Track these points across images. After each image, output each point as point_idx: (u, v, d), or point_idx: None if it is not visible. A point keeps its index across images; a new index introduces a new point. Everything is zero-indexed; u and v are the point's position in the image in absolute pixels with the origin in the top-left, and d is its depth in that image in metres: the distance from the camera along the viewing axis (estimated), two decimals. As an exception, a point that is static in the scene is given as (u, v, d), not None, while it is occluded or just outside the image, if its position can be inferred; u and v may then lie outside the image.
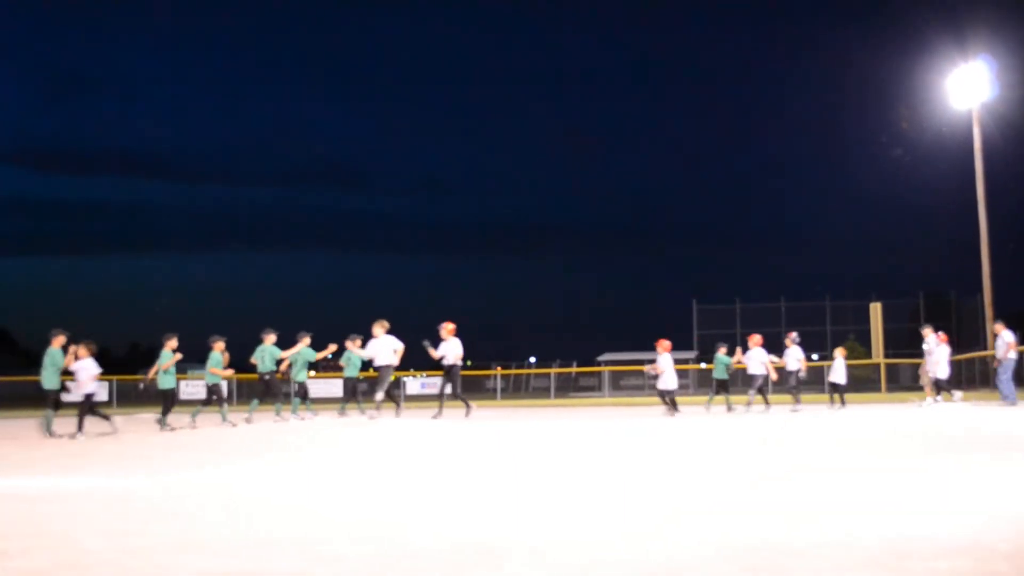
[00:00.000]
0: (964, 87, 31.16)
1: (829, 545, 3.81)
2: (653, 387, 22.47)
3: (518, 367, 53.61)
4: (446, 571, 3.51)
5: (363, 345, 17.20)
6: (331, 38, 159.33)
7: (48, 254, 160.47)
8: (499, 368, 48.68)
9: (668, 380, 18.25)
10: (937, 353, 19.76)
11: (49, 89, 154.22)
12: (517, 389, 49.74)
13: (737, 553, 3.69)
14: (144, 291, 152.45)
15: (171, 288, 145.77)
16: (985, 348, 31.41)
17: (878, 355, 32.94)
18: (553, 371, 42.91)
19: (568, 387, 44.11)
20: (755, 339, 19.61)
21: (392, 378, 17.43)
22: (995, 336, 20.47)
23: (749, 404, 19.18)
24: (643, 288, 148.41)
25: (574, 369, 41.23)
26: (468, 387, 38.55)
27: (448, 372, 16.96)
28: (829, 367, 21.00)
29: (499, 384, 43.41)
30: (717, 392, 20.26)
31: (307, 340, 17.47)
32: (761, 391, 19.58)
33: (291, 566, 3.66)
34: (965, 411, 16.34)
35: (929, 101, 33.83)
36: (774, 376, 19.90)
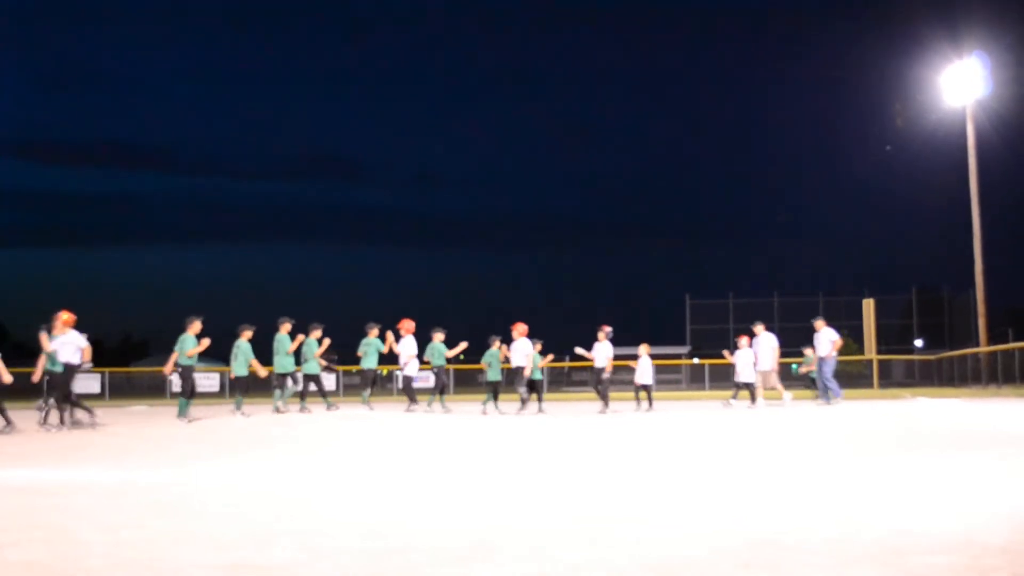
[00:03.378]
0: (958, 84, 31.27)
1: (825, 541, 3.82)
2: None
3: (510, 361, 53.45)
4: (445, 566, 3.51)
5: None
6: (329, 32, 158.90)
7: (43, 246, 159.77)
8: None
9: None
10: (740, 356, 18.59)
11: (49, 81, 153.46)
12: (510, 383, 49.70)
13: (734, 549, 3.70)
14: (139, 283, 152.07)
15: (167, 280, 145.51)
16: (978, 344, 31.55)
17: (871, 351, 33.09)
18: (546, 365, 42.86)
19: (561, 381, 44.12)
20: (604, 331, 18.25)
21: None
22: (815, 333, 19.07)
23: (605, 405, 17.80)
24: (636, 282, 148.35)
25: (567, 364, 41.21)
26: (461, 381, 38.51)
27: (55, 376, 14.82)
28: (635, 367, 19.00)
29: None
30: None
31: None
32: (599, 388, 18.18)
33: (291, 559, 3.66)
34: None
35: (923, 98, 33.98)
36: (608, 372, 18.25)
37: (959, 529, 4.04)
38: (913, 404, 19.05)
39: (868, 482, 5.89)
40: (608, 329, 18.32)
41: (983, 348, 30.56)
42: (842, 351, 41.08)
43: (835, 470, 6.67)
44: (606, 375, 18.22)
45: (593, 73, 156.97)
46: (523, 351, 18.18)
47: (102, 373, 37.50)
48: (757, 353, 18.66)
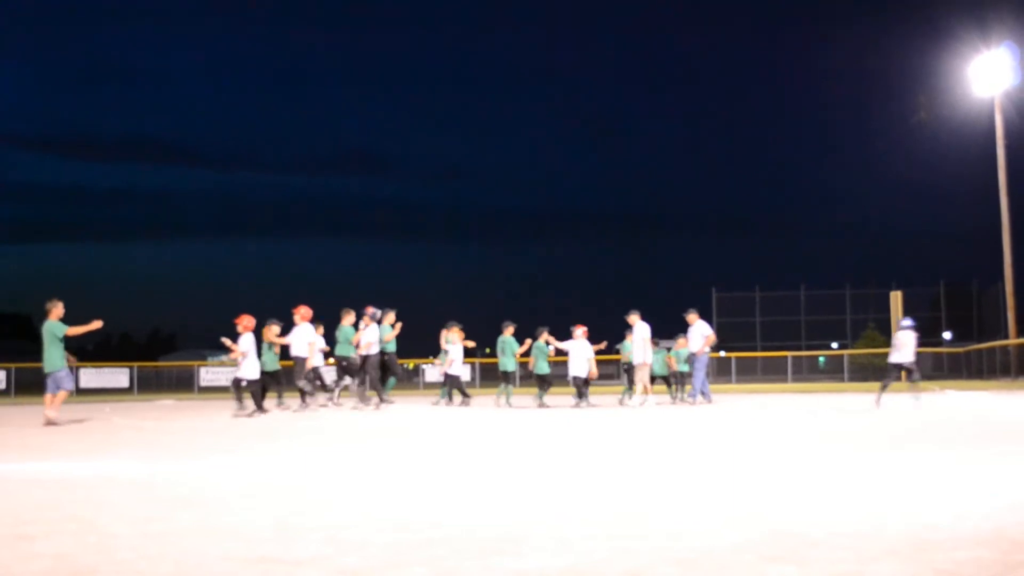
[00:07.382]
0: (986, 74, 30.93)
1: (850, 535, 3.80)
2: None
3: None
4: (471, 558, 3.52)
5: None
6: (357, 28, 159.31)
7: (73, 241, 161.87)
8: (517, 355, 48.48)
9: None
10: (573, 347, 17.43)
11: (77, 77, 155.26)
12: (526, 376, 49.51)
13: (757, 542, 3.69)
14: (167, 278, 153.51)
15: (195, 275, 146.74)
16: (1007, 337, 31.22)
17: (898, 344, 32.75)
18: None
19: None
20: (369, 312, 16.94)
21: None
22: (688, 326, 18.41)
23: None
24: (662, 276, 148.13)
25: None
26: (488, 374, 38.52)
27: None
28: (441, 362, 18.11)
29: (517, 371, 43.29)
30: None
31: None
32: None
33: (316, 552, 3.69)
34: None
35: (951, 88, 33.64)
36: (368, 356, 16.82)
37: (987, 524, 4.01)
38: (941, 397, 18.89)
39: (892, 475, 5.85)
40: (372, 310, 16.91)
41: (1012, 340, 30.25)
42: (870, 344, 40.88)
43: (857, 464, 6.62)
44: (365, 361, 16.69)
45: (618, 69, 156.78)
46: (305, 338, 16.37)
47: (130, 367, 37.85)
48: (632, 344, 17.63)
